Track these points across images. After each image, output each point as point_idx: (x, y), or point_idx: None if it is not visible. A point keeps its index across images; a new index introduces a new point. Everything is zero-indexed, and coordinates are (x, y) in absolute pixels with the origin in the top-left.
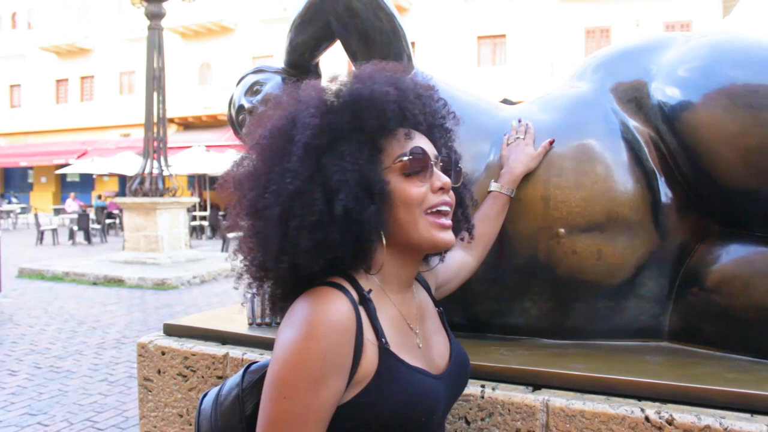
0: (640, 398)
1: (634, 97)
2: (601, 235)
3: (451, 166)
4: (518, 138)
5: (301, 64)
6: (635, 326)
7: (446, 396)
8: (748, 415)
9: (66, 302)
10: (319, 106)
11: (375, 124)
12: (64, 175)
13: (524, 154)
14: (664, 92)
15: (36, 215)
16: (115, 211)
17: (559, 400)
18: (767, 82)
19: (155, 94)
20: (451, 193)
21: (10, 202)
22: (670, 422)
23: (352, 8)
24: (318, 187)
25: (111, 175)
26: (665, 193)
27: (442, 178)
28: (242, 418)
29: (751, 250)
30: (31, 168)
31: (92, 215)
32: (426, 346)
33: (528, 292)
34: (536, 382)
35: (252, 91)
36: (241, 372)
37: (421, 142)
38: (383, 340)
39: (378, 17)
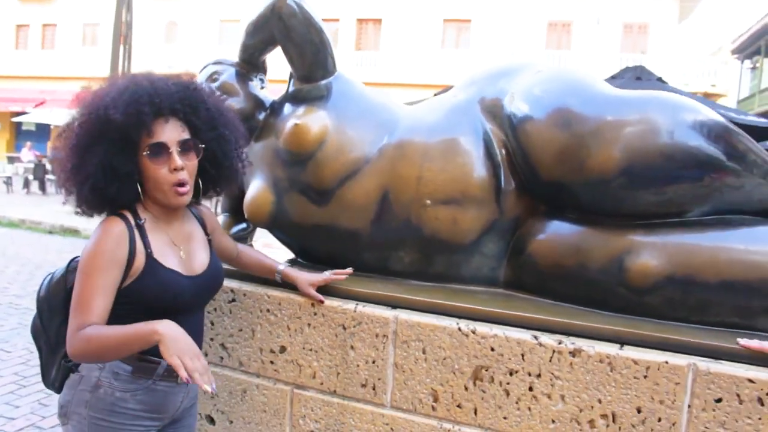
0: (459, 317)
1: (493, 108)
2: (457, 207)
3: (194, 147)
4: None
5: (250, 61)
6: (479, 275)
7: (195, 290)
8: (529, 335)
9: (22, 248)
10: (83, 116)
11: (116, 135)
12: (19, 124)
13: (314, 278)
14: (513, 106)
15: None
16: None
17: (405, 315)
18: (585, 112)
19: (121, 48)
20: (193, 163)
21: None
22: (474, 332)
23: (289, 25)
24: (81, 171)
25: None
26: (507, 181)
27: (177, 162)
28: (65, 288)
29: (561, 225)
30: None
31: (48, 166)
32: (188, 258)
33: (403, 246)
34: (393, 304)
35: (211, 78)
36: (68, 262)
37: (170, 131)
38: (149, 250)
39: (309, 32)
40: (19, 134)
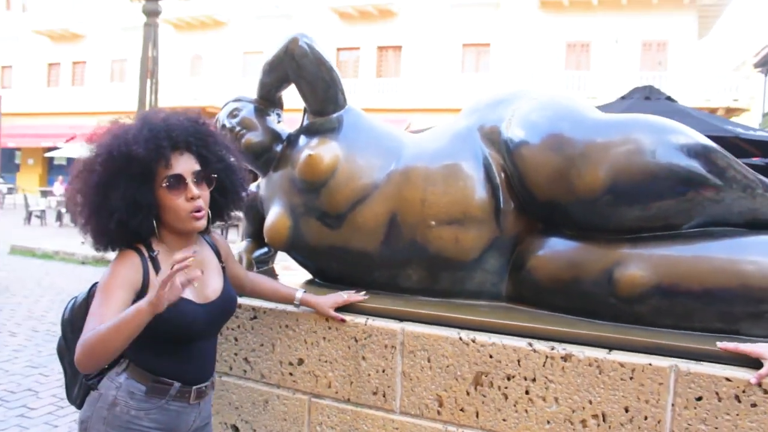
0: (460, 328)
1: (491, 135)
2: (459, 226)
3: (206, 178)
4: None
5: (267, 98)
6: (482, 290)
7: (208, 317)
8: (524, 342)
9: (57, 278)
10: (104, 155)
11: (138, 170)
12: (51, 158)
13: (333, 301)
14: (510, 132)
15: (25, 196)
16: None
17: (411, 327)
18: (574, 136)
19: (149, 82)
20: (206, 194)
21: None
22: (474, 341)
23: (301, 64)
24: (105, 208)
25: None
26: (506, 201)
27: (193, 192)
28: (86, 311)
29: (557, 241)
30: (18, 149)
31: None
32: (201, 286)
33: (410, 264)
34: (400, 317)
35: (232, 114)
36: (89, 286)
37: (184, 163)
38: None
39: (320, 70)
40: (51, 169)
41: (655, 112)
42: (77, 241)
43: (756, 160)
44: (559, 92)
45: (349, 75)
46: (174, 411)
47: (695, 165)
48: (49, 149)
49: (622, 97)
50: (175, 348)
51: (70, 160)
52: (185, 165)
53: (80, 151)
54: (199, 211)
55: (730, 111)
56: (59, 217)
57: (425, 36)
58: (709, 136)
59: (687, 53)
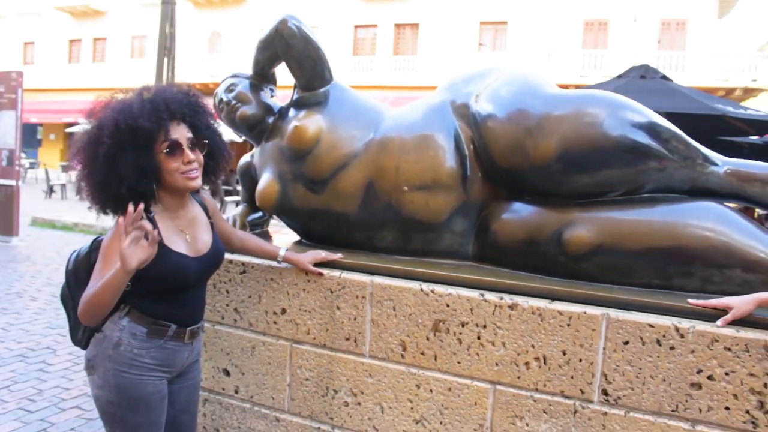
0: (422, 281)
1: (462, 109)
2: (429, 192)
3: (199, 144)
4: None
5: (261, 74)
6: (451, 251)
7: (199, 268)
8: (477, 293)
9: (76, 248)
10: (111, 128)
11: (143, 140)
12: (72, 133)
13: (312, 257)
14: (478, 106)
15: (46, 171)
16: None
17: (379, 279)
18: (532, 109)
19: (165, 60)
20: (200, 157)
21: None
22: (433, 291)
23: (290, 44)
24: (114, 176)
25: None
26: (473, 170)
27: (189, 157)
28: (89, 263)
29: (517, 206)
30: (40, 125)
31: None
32: (193, 241)
33: (385, 226)
34: (370, 271)
35: (229, 89)
36: (91, 240)
37: (179, 131)
38: (159, 238)
39: (307, 49)
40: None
41: (649, 91)
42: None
43: (754, 138)
44: (526, 70)
45: (366, 53)
46: (171, 349)
47: (640, 137)
48: (70, 125)
49: (619, 76)
50: (172, 295)
51: None
52: (181, 133)
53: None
54: (194, 172)
55: (748, 91)
56: (79, 190)
57: (443, 13)
58: (698, 115)
59: (706, 32)
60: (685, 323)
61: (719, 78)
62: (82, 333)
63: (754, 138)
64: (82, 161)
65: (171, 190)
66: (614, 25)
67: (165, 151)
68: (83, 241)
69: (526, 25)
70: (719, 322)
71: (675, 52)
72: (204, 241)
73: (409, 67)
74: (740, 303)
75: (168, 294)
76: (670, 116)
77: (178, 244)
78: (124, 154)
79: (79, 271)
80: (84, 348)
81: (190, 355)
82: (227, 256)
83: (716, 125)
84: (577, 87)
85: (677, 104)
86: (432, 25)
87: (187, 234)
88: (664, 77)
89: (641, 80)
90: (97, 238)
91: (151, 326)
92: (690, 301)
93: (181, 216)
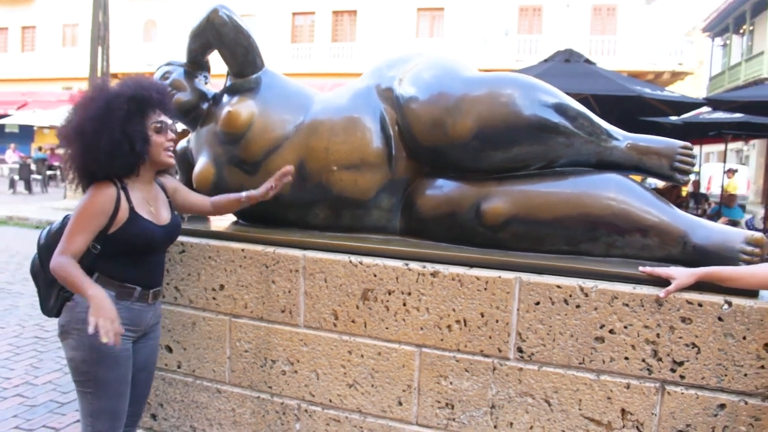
0: (351, 253)
1: (386, 92)
2: (357, 171)
3: (170, 126)
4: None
5: (195, 61)
6: (379, 226)
7: (163, 234)
8: (401, 263)
9: (11, 241)
10: (128, 95)
11: (149, 110)
12: (2, 126)
13: (268, 185)
14: (401, 89)
15: None
16: (57, 163)
17: (311, 253)
18: (450, 91)
19: (99, 49)
20: (174, 137)
21: None
22: (361, 263)
23: (222, 32)
24: (126, 141)
25: (52, 127)
26: (398, 149)
27: (173, 135)
28: (59, 238)
29: (440, 182)
30: None
31: (32, 166)
32: (156, 213)
33: (317, 204)
34: (303, 246)
35: (164, 77)
36: (62, 217)
37: (164, 114)
38: (131, 205)
39: (239, 37)
40: (3, 136)
41: (573, 74)
42: (30, 207)
43: (674, 119)
44: (445, 55)
45: (304, 39)
46: (137, 310)
47: (549, 115)
48: (0, 117)
49: (545, 60)
50: (136, 259)
51: (22, 128)
52: (164, 116)
53: (32, 117)
54: (172, 151)
55: (675, 74)
56: (12, 184)
57: (380, 0)
58: (619, 96)
59: (635, 18)
60: (588, 283)
61: (648, 62)
62: (54, 302)
63: (674, 118)
64: (89, 132)
65: (149, 164)
66: (548, 10)
67: (156, 126)
68: (18, 234)
69: (463, 11)
70: (662, 293)
71: (606, 36)
72: (164, 215)
73: (348, 54)
74: (683, 275)
75: (133, 257)
76: (593, 98)
77: (145, 213)
78: (134, 119)
79: (51, 245)
80: (56, 316)
81: (153, 315)
82: None
83: (640, 107)
84: (513, 72)
85: (599, 86)
86: (370, 12)
87: (151, 206)
88: (588, 61)
89: (566, 64)
90: (67, 216)
91: (119, 289)
92: (640, 268)
93: (149, 190)
